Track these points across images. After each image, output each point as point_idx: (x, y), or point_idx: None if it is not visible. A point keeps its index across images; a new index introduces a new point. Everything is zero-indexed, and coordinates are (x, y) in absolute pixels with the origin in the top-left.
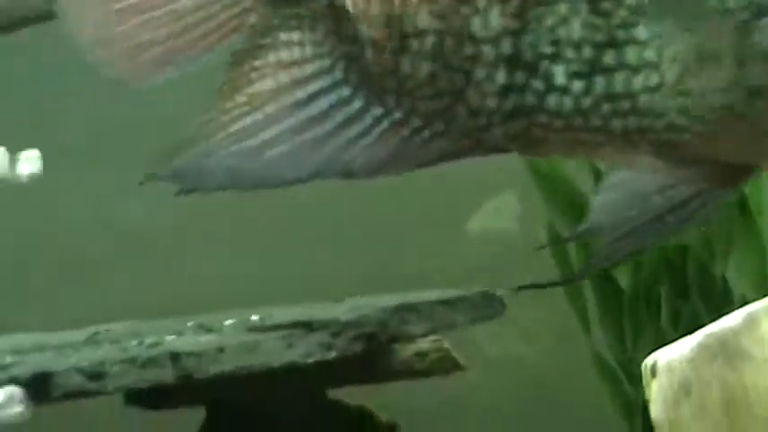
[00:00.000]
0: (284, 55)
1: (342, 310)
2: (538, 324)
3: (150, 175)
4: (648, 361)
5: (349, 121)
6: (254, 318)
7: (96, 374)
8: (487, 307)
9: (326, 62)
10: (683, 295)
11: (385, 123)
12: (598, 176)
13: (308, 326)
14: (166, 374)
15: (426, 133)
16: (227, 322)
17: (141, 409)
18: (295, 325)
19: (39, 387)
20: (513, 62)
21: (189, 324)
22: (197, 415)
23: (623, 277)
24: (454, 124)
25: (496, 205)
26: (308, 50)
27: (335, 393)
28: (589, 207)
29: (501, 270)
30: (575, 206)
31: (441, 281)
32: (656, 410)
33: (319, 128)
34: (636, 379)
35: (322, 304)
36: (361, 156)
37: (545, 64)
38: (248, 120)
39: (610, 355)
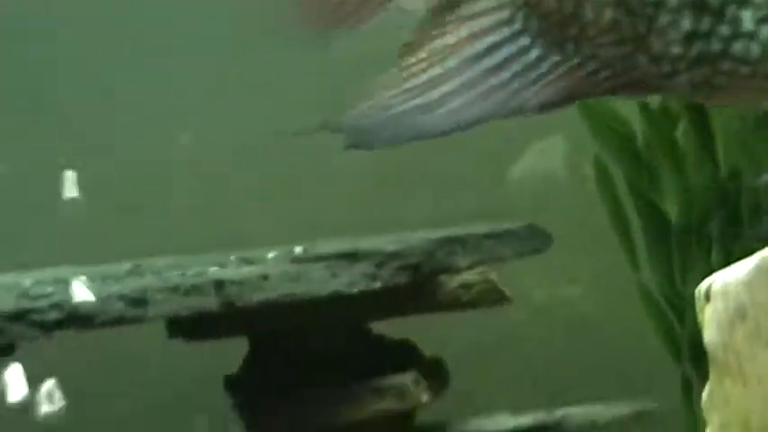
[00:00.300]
0: (465, 9)
1: (386, 242)
2: (584, 262)
3: (321, 125)
4: (703, 285)
5: (526, 69)
6: (298, 250)
7: (138, 301)
8: (534, 240)
9: (506, 13)
10: (735, 231)
11: (561, 69)
12: (645, 110)
13: (352, 256)
14: (210, 302)
15: (603, 74)
16: (270, 255)
17: (184, 340)
18: (339, 256)
19: (80, 315)
20: (698, 8)
21: (231, 258)
22: (241, 346)
23: (673, 211)
24: (635, 71)
25: (542, 147)
26: (489, 2)
27: (379, 326)
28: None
29: (546, 211)
30: (622, 139)
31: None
32: (709, 335)
33: (495, 78)
34: (684, 317)
35: (366, 237)
36: (535, 97)
37: (732, 9)
38: (425, 76)
39: (658, 292)
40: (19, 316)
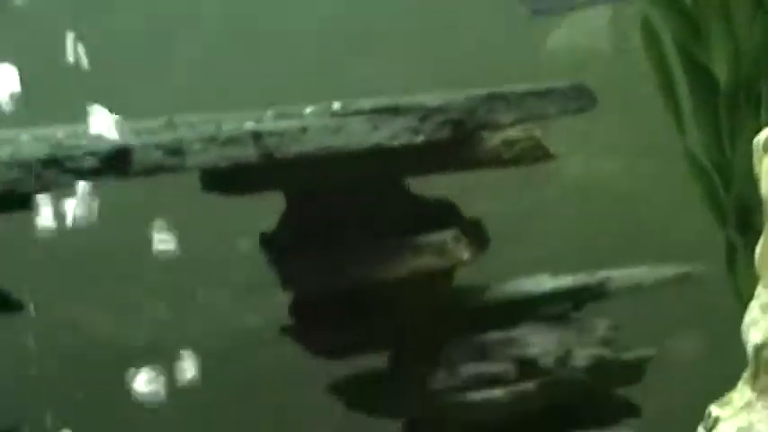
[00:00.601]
0: None
1: (428, 98)
2: (628, 125)
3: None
4: (761, 136)
5: None
6: (336, 105)
7: (175, 150)
8: (579, 99)
9: None
10: None
11: None
12: None
13: (393, 110)
14: (248, 153)
15: None
16: (308, 110)
17: (219, 193)
18: (380, 110)
19: (117, 162)
20: None
21: (268, 112)
22: (277, 201)
23: (721, 71)
24: None
25: (585, 14)
26: None
27: (420, 184)
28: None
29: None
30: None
31: None
32: (767, 186)
33: None
34: (731, 182)
35: (406, 95)
36: None
37: None
38: None
39: (705, 156)
40: (54, 162)
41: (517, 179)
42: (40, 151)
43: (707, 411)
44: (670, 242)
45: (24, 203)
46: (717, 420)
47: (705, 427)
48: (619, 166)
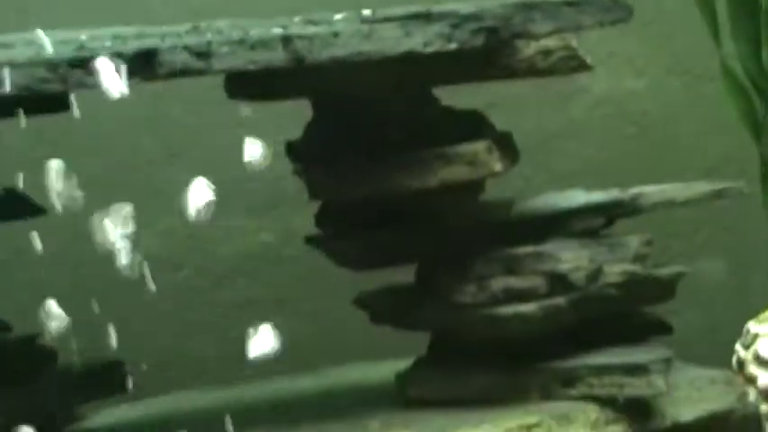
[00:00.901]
0: None
1: (461, 6)
2: (659, 40)
3: None
4: None
5: None
6: (366, 12)
7: (203, 53)
8: (615, 10)
9: None
10: None
11: None
12: None
13: (426, 17)
14: (278, 57)
15: None
16: (337, 16)
17: (245, 99)
18: (412, 16)
19: (143, 64)
20: None
21: (295, 19)
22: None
23: None
24: None
25: None
26: None
27: (450, 95)
28: None
29: None
30: None
31: None
32: None
33: None
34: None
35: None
36: None
37: None
38: None
39: (742, 71)
40: (79, 62)
41: (547, 94)
42: (66, 53)
43: (745, 328)
44: (703, 159)
45: (52, 105)
46: (755, 337)
47: (743, 344)
48: (650, 81)
